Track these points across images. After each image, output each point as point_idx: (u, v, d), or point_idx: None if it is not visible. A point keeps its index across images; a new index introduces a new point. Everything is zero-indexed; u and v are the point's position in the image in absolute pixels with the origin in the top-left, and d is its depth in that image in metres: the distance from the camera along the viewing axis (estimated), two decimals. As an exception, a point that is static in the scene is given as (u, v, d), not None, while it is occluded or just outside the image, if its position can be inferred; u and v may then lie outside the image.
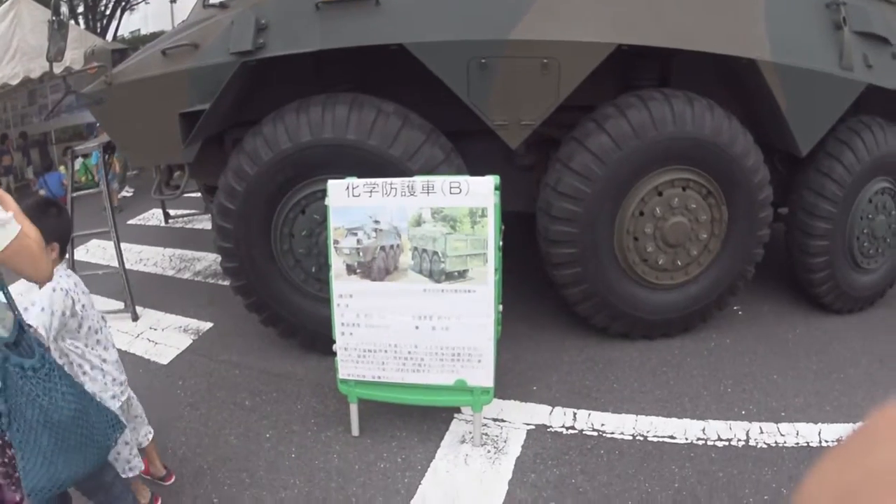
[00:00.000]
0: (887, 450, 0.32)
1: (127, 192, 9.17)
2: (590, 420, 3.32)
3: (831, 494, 0.32)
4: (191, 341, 4.40)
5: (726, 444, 3.15)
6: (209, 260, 5.61)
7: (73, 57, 7.84)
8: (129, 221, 7.33)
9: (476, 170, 3.35)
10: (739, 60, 3.56)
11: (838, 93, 3.75)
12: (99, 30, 17.10)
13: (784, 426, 3.24)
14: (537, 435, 3.22)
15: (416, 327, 3.02)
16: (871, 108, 4.17)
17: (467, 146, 3.76)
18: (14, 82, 8.28)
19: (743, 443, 3.15)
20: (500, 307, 3.30)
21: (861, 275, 4.35)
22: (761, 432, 3.22)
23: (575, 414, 3.37)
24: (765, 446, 3.13)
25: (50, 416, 2.02)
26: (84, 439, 2.12)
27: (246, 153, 3.54)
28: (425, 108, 3.60)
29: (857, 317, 4.39)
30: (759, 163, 3.73)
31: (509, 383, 3.59)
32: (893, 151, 4.12)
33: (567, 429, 3.26)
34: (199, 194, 5.43)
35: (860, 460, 0.33)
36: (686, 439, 3.18)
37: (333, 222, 3.03)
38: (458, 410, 3.37)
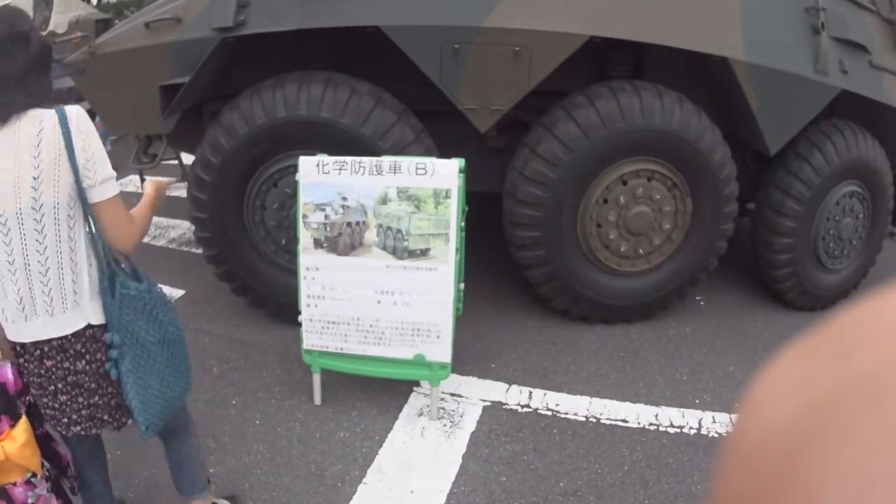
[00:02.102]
0: (866, 353, 0.26)
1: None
2: (545, 399, 3.42)
3: (796, 405, 0.27)
4: (163, 308, 4.45)
5: (678, 431, 3.24)
6: (184, 228, 5.61)
7: (58, 21, 7.80)
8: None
9: (448, 149, 3.43)
10: (712, 58, 3.63)
11: (811, 96, 3.81)
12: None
13: (733, 421, 3.32)
14: (493, 411, 3.31)
15: (379, 302, 3.11)
16: (845, 112, 4.25)
17: (440, 126, 3.83)
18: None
19: (695, 431, 3.24)
20: (462, 286, 3.39)
21: (825, 274, 4.43)
22: (714, 422, 3.31)
23: (531, 393, 3.47)
24: (716, 436, 3.21)
25: (167, 332, 2.16)
26: (185, 359, 2.27)
27: (222, 126, 3.61)
28: (399, 88, 3.67)
29: (820, 315, 4.45)
30: (727, 158, 3.81)
31: (468, 360, 3.69)
32: (863, 156, 4.18)
33: (522, 407, 3.36)
34: (176, 162, 5.48)
35: (833, 366, 0.27)
36: (638, 424, 3.27)
37: (303, 197, 3.12)
38: (416, 384, 3.46)
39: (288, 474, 2.91)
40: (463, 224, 3.14)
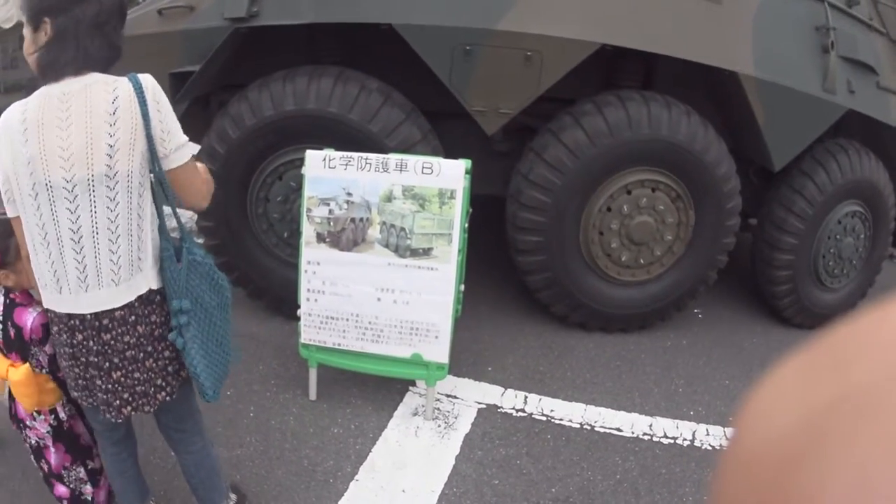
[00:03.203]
0: (865, 364, 0.26)
1: None
2: (540, 405, 3.42)
3: (795, 415, 0.27)
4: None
5: (672, 441, 3.24)
6: (185, 217, 5.58)
7: None
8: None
9: (454, 151, 3.44)
10: (722, 71, 3.64)
11: (818, 114, 3.83)
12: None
13: (731, 431, 3.32)
14: (487, 414, 3.31)
15: (378, 299, 3.10)
16: (850, 132, 4.26)
17: (448, 127, 3.84)
18: (7, 26, 8.18)
19: (688, 442, 3.24)
20: (462, 287, 3.39)
21: (824, 293, 4.44)
22: (707, 434, 3.32)
23: (526, 397, 3.47)
24: (710, 448, 3.22)
25: (224, 296, 2.18)
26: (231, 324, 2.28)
27: (230, 117, 3.61)
28: (409, 87, 3.67)
29: (817, 333, 4.45)
30: (731, 172, 3.82)
31: (465, 362, 3.68)
32: (867, 177, 4.20)
33: (517, 411, 3.36)
34: None
35: (831, 377, 0.27)
36: (632, 433, 3.27)
37: (308, 191, 3.11)
38: (412, 383, 3.46)
39: (280, 468, 2.90)
40: (466, 225, 3.14)
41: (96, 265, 1.87)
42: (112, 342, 1.95)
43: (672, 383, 3.71)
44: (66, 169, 1.78)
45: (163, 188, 1.94)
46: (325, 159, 3.07)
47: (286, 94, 3.52)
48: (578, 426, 3.28)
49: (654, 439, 3.24)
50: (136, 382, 2.02)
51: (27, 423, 2.20)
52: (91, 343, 1.94)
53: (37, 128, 1.77)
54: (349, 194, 3.07)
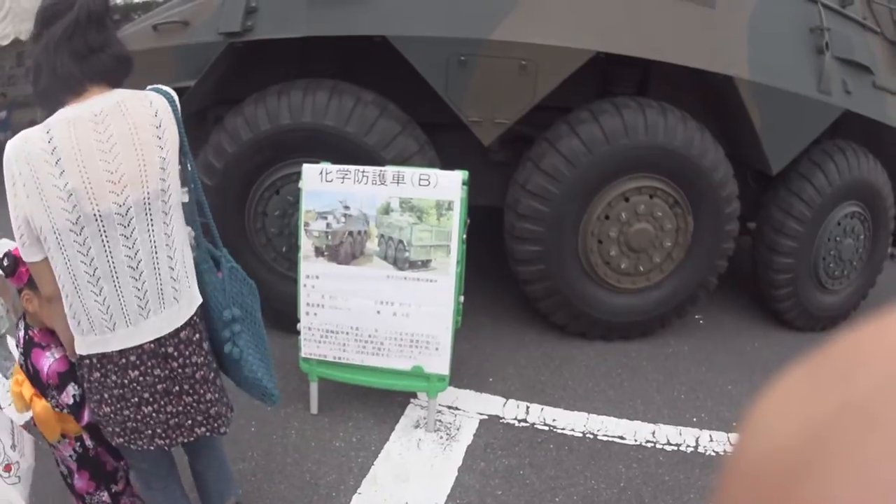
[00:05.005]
0: (868, 374, 0.26)
1: None
2: (542, 414, 3.41)
3: (798, 425, 0.27)
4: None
5: (675, 448, 3.23)
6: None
7: None
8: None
9: (451, 162, 3.43)
10: (717, 76, 3.64)
11: (814, 116, 3.83)
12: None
13: (734, 436, 3.30)
14: (489, 425, 3.30)
15: (378, 312, 3.10)
16: (847, 133, 4.25)
17: (443, 138, 3.84)
18: (4, 43, 8.20)
19: (692, 449, 3.23)
20: (462, 298, 3.39)
21: (825, 295, 4.42)
22: (711, 440, 3.31)
23: (528, 407, 3.46)
24: (713, 454, 3.21)
25: (257, 298, 2.18)
26: None
27: (226, 131, 3.61)
28: (405, 99, 3.67)
29: (819, 335, 4.44)
30: (729, 177, 3.81)
31: (466, 373, 3.68)
32: (865, 177, 4.19)
33: (519, 421, 3.35)
34: None
35: (835, 386, 0.27)
36: (635, 441, 3.27)
37: (305, 205, 3.11)
38: (414, 396, 3.45)
39: (282, 482, 2.90)
40: (464, 236, 3.14)
41: (158, 287, 1.81)
42: (180, 369, 1.90)
43: (674, 390, 3.70)
44: (117, 194, 1.70)
45: (199, 201, 1.95)
46: (321, 173, 3.07)
47: (282, 108, 3.53)
48: (581, 435, 3.28)
49: (658, 446, 3.23)
50: (209, 405, 1.97)
51: (52, 443, 2.16)
52: (150, 377, 1.86)
53: (74, 156, 1.66)
54: (346, 208, 3.07)
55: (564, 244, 3.76)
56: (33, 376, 2.02)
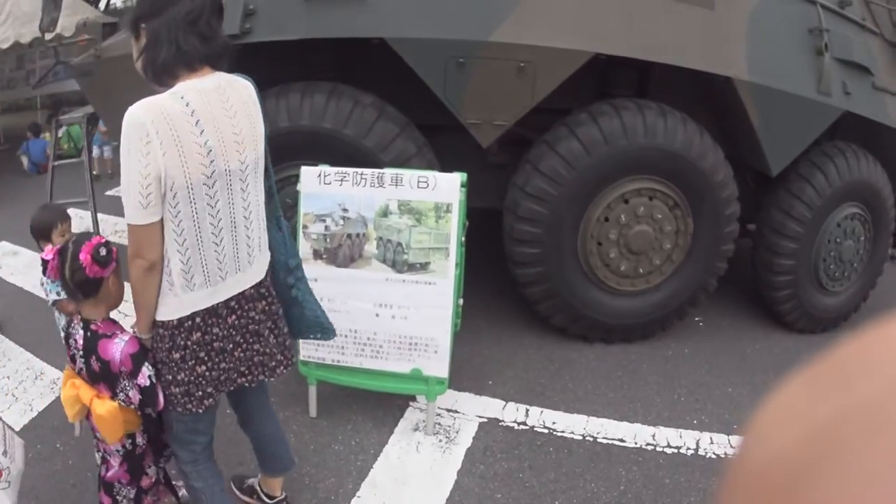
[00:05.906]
0: (868, 381, 0.26)
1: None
2: (542, 417, 3.40)
3: (799, 432, 0.27)
4: (162, 317, 4.43)
5: (675, 451, 3.22)
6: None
7: (65, 24, 7.79)
8: (108, 192, 7.22)
9: (449, 164, 3.43)
10: (717, 77, 3.63)
11: (813, 117, 3.82)
12: (92, -1, 16.95)
13: (735, 439, 3.28)
14: (489, 428, 3.29)
15: (377, 315, 3.09)
16: (847, 134, 4.25)
17: (442, 141, 3.83)
18: (4, 46, 8.22)
19: (692, 452, 3.22)
20: (461, 301, 3.38)
21: (826, 297, 4.41)
22: (711, 443, 3.29)
23: (527, 410, 3.45)
24: (714, 457, 3.20)
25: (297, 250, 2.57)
26: None
27: (225, 134, 3.60)
28: (403, 101, 3.66)
29: (820, 337, 4.43)
30: (728, 178, 3.81)
31: (465, 376, 3.66)
32: (865, 178, 4.19)
33: (519, 424, 3.34)
34: None
35: (835, 393, 0.27)
36: (635, 443, 3.25)
37: (304, 208, 3.11)
38: (413, 399, 3.44)
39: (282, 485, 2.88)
40: (463, 239, 3.13)
41: (259, 235, 2.14)
42: (268, 307, 2.20)
43: (674, 392, 3.68)
44: (240, 152, 1.97)
45: (266, 168, 2.19)
46: (320, 175, 3.06)
47: (280, 111, 3.52)
48: (581, 438, 3.26)
49: (658, 449, 3.22)
50: (286, 337, 2.31)
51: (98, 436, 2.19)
52: (245, 318, 2.12)
53: (210, 119, 1.90)
54: (345, 210, 3.06)
55: (564, 246, 3.75)
56: (100, 372, 2.04)
